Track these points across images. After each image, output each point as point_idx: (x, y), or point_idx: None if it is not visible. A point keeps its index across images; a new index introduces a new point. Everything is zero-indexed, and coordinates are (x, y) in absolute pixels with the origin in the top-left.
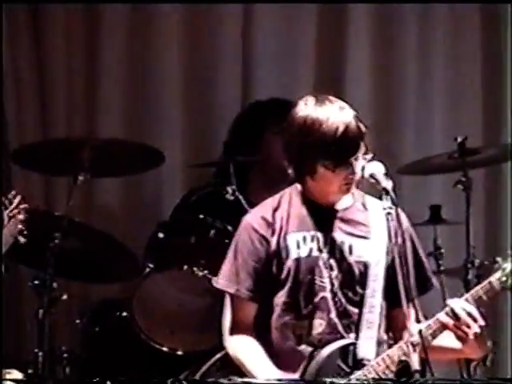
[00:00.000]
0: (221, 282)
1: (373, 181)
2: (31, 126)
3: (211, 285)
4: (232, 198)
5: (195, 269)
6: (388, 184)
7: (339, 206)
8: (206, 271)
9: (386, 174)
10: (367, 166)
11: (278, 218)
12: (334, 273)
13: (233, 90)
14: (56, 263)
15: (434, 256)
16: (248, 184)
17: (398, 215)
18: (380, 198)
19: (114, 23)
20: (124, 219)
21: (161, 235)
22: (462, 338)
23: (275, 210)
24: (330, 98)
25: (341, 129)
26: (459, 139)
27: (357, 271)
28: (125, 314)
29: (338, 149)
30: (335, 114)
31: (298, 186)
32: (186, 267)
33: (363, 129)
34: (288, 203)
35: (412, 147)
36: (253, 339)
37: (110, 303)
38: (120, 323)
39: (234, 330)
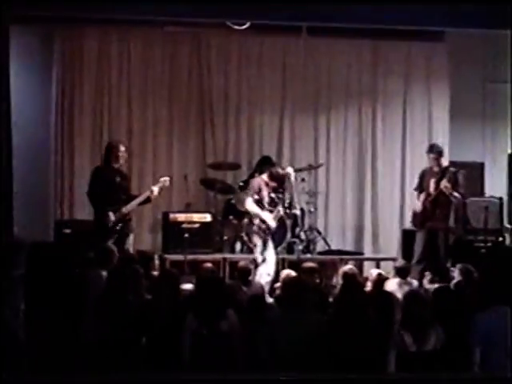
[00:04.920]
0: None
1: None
2: None
3: None
4: (258, 175)
5: None
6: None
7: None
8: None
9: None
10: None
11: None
12: (280, 206)
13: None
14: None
15: None
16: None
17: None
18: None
19: None
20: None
21: (241, 183)
22: None
23: (266, 184)
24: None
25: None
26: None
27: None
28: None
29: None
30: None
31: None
32: None
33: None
34: (266, 183)
35: None
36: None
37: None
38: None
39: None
